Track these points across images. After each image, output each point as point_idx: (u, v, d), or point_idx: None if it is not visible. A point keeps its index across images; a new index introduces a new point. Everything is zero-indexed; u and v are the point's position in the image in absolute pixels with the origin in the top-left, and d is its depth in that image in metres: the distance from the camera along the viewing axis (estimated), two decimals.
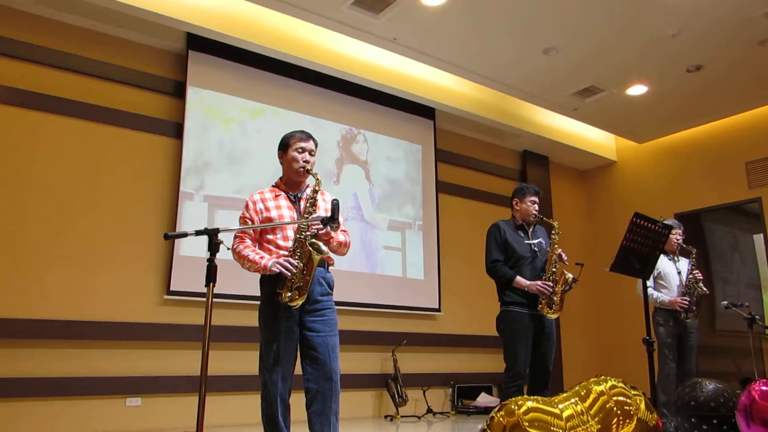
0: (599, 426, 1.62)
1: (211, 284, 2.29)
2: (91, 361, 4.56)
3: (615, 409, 1.65)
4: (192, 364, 4.90)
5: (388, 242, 6.28)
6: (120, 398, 4.62)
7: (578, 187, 8.63)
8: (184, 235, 2.33)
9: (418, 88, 6.39)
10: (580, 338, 7.87)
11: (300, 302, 2.80)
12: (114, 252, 4.79)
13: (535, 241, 3.96)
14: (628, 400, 1.70)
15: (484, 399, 6.35)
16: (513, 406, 1.64)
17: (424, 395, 6.08)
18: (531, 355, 3.76)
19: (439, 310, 6.48)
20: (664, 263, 4.84)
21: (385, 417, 5.83)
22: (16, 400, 4.24)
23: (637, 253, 3.52)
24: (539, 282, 3.76)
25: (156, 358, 4.80)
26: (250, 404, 4.81)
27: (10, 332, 4.28)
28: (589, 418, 1.63)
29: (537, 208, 3.97)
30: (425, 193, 6.68)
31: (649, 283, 4.79)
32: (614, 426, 1.62)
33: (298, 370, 2.89)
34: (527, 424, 1.59)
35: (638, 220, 3.46)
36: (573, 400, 1.69)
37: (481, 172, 7.43)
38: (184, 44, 5.31)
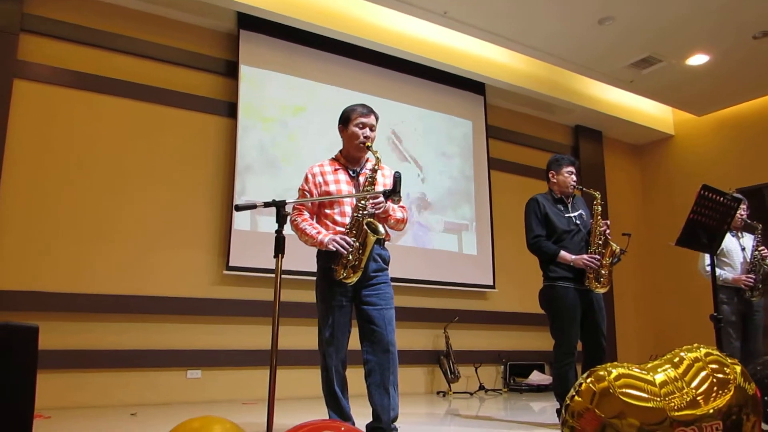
0: (695, 392, 1.57)
1: (280, 255, 2.30)
2: (152, 335, 4.69)
3: (711, 376, 1.60)
4: (249, 339, 5.00)
5: (439, 219, 6.23)
6: (181, 370, 4.76)
7: (633, 162, 8.39)
8: (254, 206, 2.36)
9: (468, 62, 6.29)
10: (635, 316, 7.71)
11: (354, 280, 2.82)
12: (173, 229, 4.90)
13: (576, 214, 3.79)
14: (724, 368, 1.64)
15: (536, 377, 6.30)
16: (602, 372, 1.60)
17: (476, 372, 6.07)
18: (582, 331, 3.66)
19: (493, 287, 6.43)
20: (727, 239, 4.66)
21: (438, 393, 5.85)
22: (81, 371, 4.40)
23: (705, 226, 3.39)
24: (585, 256, 3.61)
25: (215, 333, 4.91)
26: (307, 378, 4.91)
27: (74, 306, 4.43)
28: (684, 385, 1.58)
29: (575, 178, 3.81)
30: (477, 169, 6.60)
31: (709, 260, 4.63)
32: (712, 394, 1.56)
33: (355, 344, 2.92)
34: (619, 390, 1.55)
35: (706, 193, 3.34)
36: (665, 367, 1.64)
37: (532, 148, 7.29)
38: (236, 24, 5.34)
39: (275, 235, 2.34)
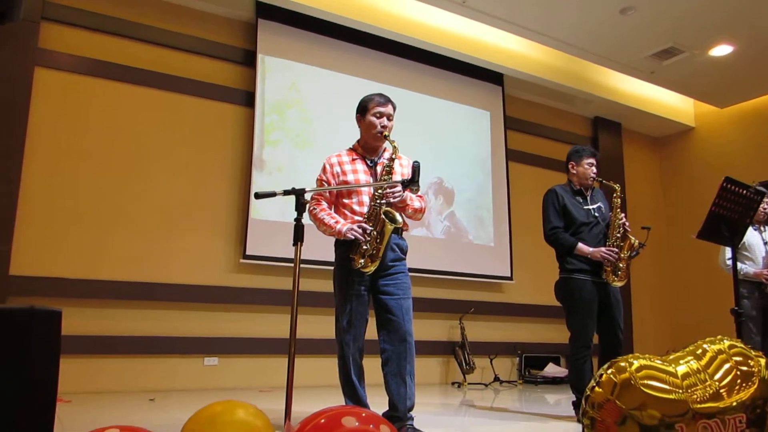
0: (718, 385, 1.55)
1: (299, 243, 2.31)
2: (170, 322, 4.74)
3: (735, 369, 1.58)
4: (266, 327, 5.04)
5: (456, 208, 6.21)
6: (198, 357, 4.80)
7: (652, 154, 8.30)
8: (273, 194, 2.37)
9: (487, 52, 6.25)
10: (652, 310, 7.64)
11: (372, 269, 2.83)
12: (190, 217, 4.93)
13: (595, 206, 3.76)
14: (749, 361, 1.62)
15: (551, 369, 6.28)
16: (623, 363, 1.59)
17: (491, 363, 6.06)
18: (599, 324, 3.64)
19: (511, 278, 6.41)
20: (749, 233, 4.61)
21: (452, 384, 5.85)
22: (100, 357, 4.46)
23: (727, 219, 3.35)
24: (603, 248, 3.59)
25: (232, 320, 4.95)
26: (323, 367, 4.94)
27: (94, 293, 4.49)
28: (707, 377, 1.57)
29: (595, 170, 3.77)
30: (494, 160, 6.57)
31: (730, 254, 4.57)
32: (735, 386, 1.55)
33: (372, 333, 2.93)
34: (640, 381, 1.54)
35: (729, 185, 3.29)
36: (688, 359, 1.62)
37: (550, 139, 7.24)
38: (254, 13, 5.34)
39: (294, 223, 2.34)
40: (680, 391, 1.55)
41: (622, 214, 3.69)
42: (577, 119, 7.59)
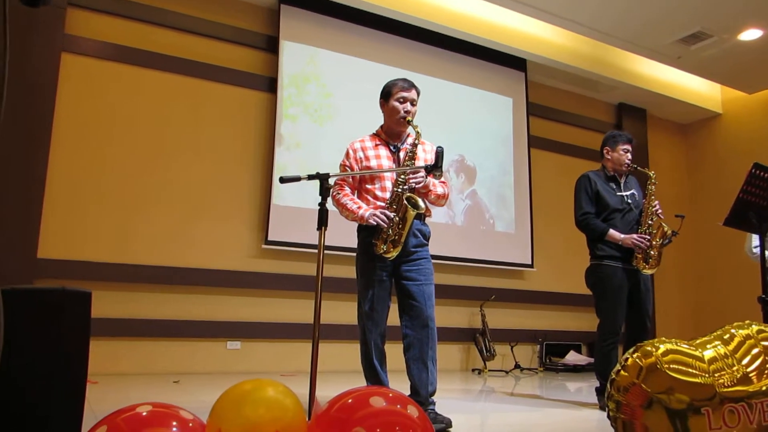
0: (746, 369, 1.54)
1: (323, 228, 2.32)
2: (193, 306, 4.81)
3: (763, 354, 1.57)
4: (288, 312, 5.09)
5: (478, 187, 6.19)
6: (221, 341, 4.87)
7: (678, 141, 8.16)
8: (298, 179, 2.38)
9: (509, 38, 6.18)
10: (675, 297, 7.56)
11: (394, 254, 2.83)
12: (213, 203, 4.98)
13: (628, 193, 3.73)
14: None
15: (573, 357, 6.26)
16: (649, 348, 1.58)
17: (512, 351, 6.06)
18: (627, 312, 3.62)
19: (531, 266, 6.38)
20: None
21: (473, 370, 5.86)
22: (126, 339, 4.54)
23: (755, 206, 3.29)
24: (635, 235, 3.56)
25: (254, 305, 5.01)
26: (345, 352, 4.97)
27: (119, 276, 4.56)
28: (735, 362, 1.55)
29: (630, 157, 3.73)
30: (516, 147, 6.52)
31: (756, 242, 4.49)
32: (765, 371, 1.53)
33: (395, 319, 2.94)
34: (666, 365, 1.53)
35: (757, 171, 3.23)
36: (715, 344, 1.61)
37: (574, 126, 7.16)
38: None
39: (319, 207, 2.35)
40: (707, 375, 1.54)
41: (656, 201, 3.65)
42: (601, 105, 7.50)
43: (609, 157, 3.78)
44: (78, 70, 4.61)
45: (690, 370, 1.54)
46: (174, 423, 1.27)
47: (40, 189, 4.31)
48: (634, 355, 1.59)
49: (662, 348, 1.58)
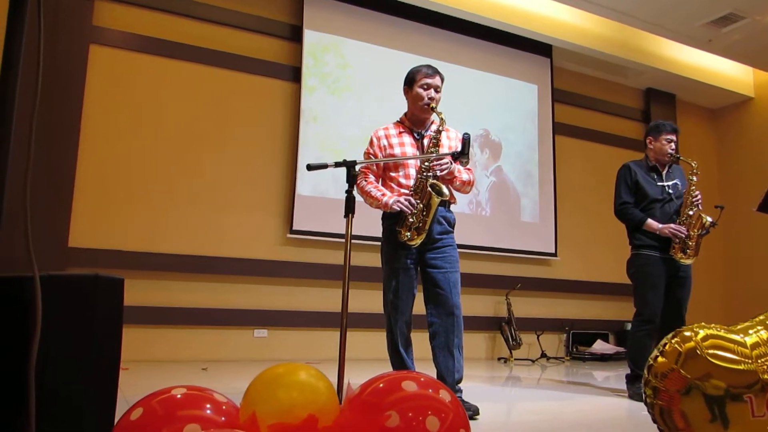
0: None
1: (350, 215, 2.31)
2: (221, 294, 4.85)
3: None
4: (314, 300, 5.11)
5: (502, 194, 6.14)
6: (249, 329, 4.91)
7: (708, 127, 7.99)
8: (325, 166, 2.37)
9: (535, 23, 6.09)
10: (704, 285, 7.41)
11: (418, 242, 2.82)
12: (239, 192, 5.01)
13: (670, 183, 3.71)
14: None
15: (600, 346, 6.19)
16: (689, 333, 1.55)
17: (538, 340, 6.01)
18: (664, 300, 3.60)
19: (555, 254, 6.32)
20: None
21: (499, 359, 5.84)
22: (155, 327, 4.60)
23: None
24: (672, 225, 3.55)
25: (281, 294, 5.04)
26: (371, 340, 4.98)
27: (148, 265, 4.62)
28: None
29: (673, 147, 3.70)
30: (541, 134, 6.44)
31: None
32: None
33: (421, 307, 2.93)
34: (706, 351, 1.50)
35: None
36: (758, 329, 1.57)
37: (601, 112, 7.05)
38: None
39: (346, 195, 2.34)
40: (749, 361, 1.50)
41: (697, 192, 3.61)
42: (629, 91, 7.36)
43: (651, 146, 3.76)
44: (106, 61, 4.66)
45: (731, 355, 1.51)
46: (208, 405, 1.28)
47: (70, 179, 4.37)
48: (673, 341, 1.55)
49: (702, 333, 1.55)
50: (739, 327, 1.61)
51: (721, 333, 1.57)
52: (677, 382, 1.49)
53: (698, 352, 1.50)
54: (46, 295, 1.54)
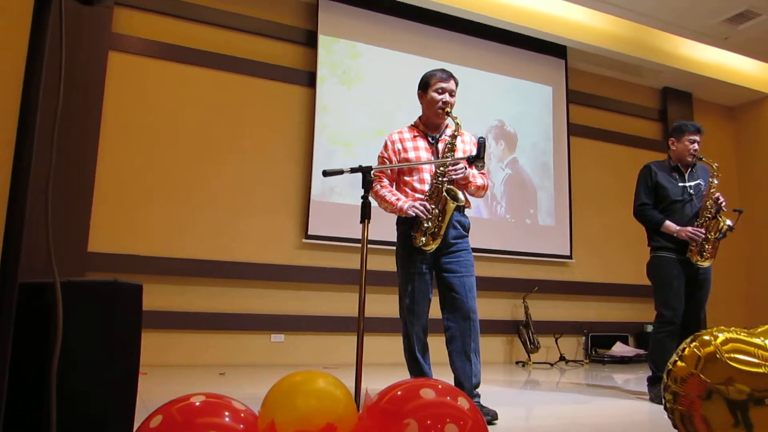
0: None
1: (366, 221, 2.31)
2: (238, 299, 4.88)
3: None
4: (330, 305, 5.12)
5: (516, 196, 6.11)
6: (266, 334, 4.93)
7: (726, 125, 7.90)
8: (340, 172, 2.38)
9: (549, 25, 6.06)
10: (724, 288, 7.31)
11: (434, 247, 2.82)
12: (255, 197, 5.04)
13: (692, 184, 3.67)
14: None
15: (620, 348, 6.13)
16: (708, 337, 1.53)
17: (557, 343, 5.97)
18: (684, 301, 3.57)
19: (570, 257, 6.28)
20: None
21: (517, 363, 5.81)
22: (172, 331, 4.64)
23: None
24: (690, 228, 3.52)
25: (297, 299, 5.05)
26: (387, 345, 4.99)
27: (166, 270, 4.66)
28: None
29: (696, 147, 3.66)
30: (556, 136, 6.41)
31: None
32: None
33: (436, 312, 2.92)
34: (726, 355, 1.48)
35: None
36: None
37: (616, 112, 6.99)
38: None
39: (362, 200, 2.34)
40: None
41: (718, 194, 3.57)
42: (645, 90, 7.30)
43: (674, 147, 3.74)
44: (125, 67, 4.72)
45: (752, 359, 1.49)
46: (226, 413, 1.29)
47: (90, 184, 4.42)
48: (692, 345, 1.54)
49: (721, 337, 1.53)
50: (759, 330, 1.59)
51: (742, 336, 1.55)
52: (697, 386, 1.47)
53: (718, 356, 1.48)
54: (66, 301, 1.56)
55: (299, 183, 5.21)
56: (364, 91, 5.45)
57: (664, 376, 1.60)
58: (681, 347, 1.59)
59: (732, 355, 1.50)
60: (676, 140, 3.71)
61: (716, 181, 3.57)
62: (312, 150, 5.16)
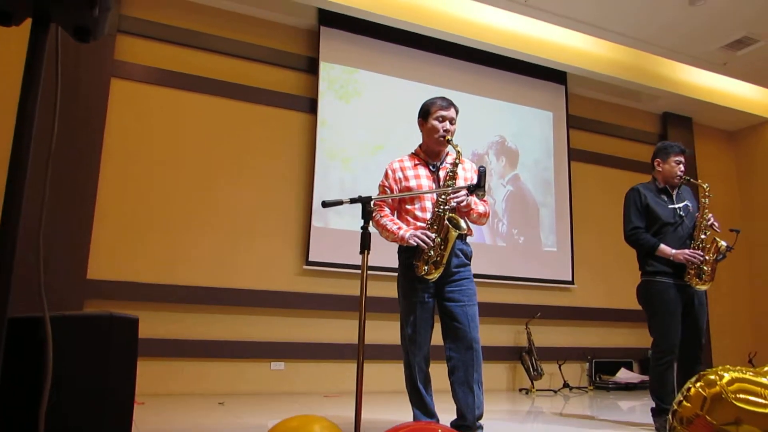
0: None
1: (366, 252, 2.30)
2: (237, 326, 4.83)
3: None
4: (330, 333, 5.07)
5: (518, 213, 6.10)
6: (265, 362, 4.88)
7: (726, 149, 7.90)
8: (340, 203, 2.37)
9: (549, 51, 6.10)
10: (728, 314, 7.26)
11: (436, 276, 2.79)
12: (256, 224, 5.02)
13: (681, 205, 3.61)
14: None
15: (624, 375, 6.06)
16: (713, 377, 1.50)
17: (560, 369, 5.90)
18: (682, 328, 3.47)
19: (572, 282, 6.23)
20: None
21: (520, 390, 5.73)
22: (171, 360, 4.59)
23: None
24: (687, 251, 3.44)
25: (297, 326, 5.01)
26: (388, 372, 4.93)
27: (165, 297, 4.62)
28: None
29: (683, 168, 3.62)
30: (556, 161, 6.41)
31: None
32: None
33: (439, 339, 2.89)
34: (733, 395, 1.45)
35: None
36: None
37: (617, 137, 7.01)
38: (316, 20, 5.40)
39: (361, 231, 2.33)
40: None
41: (710, 215, 3.53)
42: (645, 116, 7.32)
43: (660, 169, 3.67)
44: (126, 94, 4.74)
45: (759, 399, 1.45)
46: None
47: (90, 211, 4.42)
48: (697, 385, 1.50)
49: (727, 377, 1.49)
50: (765, 369, 1.56)
51: (748, 376, 1.51)
52: (704, 428, 1.44)
53: (724, 396, 1.45)
54: (61, 335, 1.54)
55: (300, 209, 5.20)
56: (363, 108, 5.47)
57: (669, 417, 1.56)
58: (686, 387, 1.55)
59: (739, 396, 1.46)
60: (662, 161, 3.65)
61: (707, 201, 3.52)
62: (313, 177, 5.15)
